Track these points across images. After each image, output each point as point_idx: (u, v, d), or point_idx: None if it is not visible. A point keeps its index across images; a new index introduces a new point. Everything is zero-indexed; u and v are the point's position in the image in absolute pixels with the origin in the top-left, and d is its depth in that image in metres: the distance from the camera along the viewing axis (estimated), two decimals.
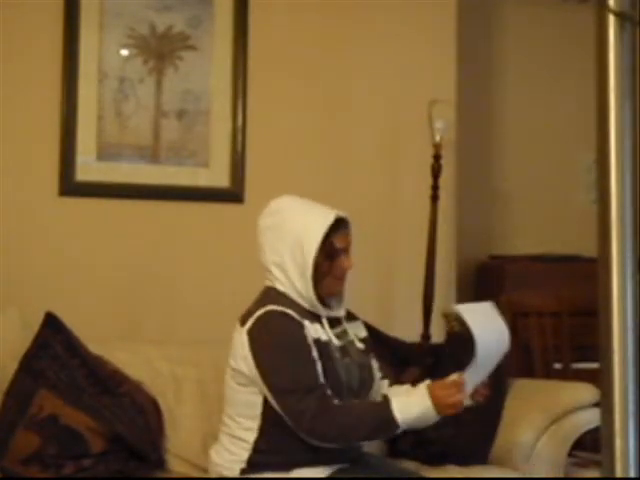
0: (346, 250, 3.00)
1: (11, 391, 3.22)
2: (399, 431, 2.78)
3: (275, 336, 2.88)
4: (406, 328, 3.82)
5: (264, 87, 4.08)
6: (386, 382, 3.11)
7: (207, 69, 4.04)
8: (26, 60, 3.81)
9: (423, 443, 3.52)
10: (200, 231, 4.00)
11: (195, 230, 4.00)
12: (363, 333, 3.13)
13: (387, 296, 4.15)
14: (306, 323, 2.88)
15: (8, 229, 3.75)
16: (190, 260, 3.97)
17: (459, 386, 2.74)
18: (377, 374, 3.07)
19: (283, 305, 2.90)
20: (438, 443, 3.52)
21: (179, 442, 3.37)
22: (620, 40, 1.25)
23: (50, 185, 3.81)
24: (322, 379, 2.83)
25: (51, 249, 3.78)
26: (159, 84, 3.97)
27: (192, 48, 4.02)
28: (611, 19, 1.25)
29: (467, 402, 2.82)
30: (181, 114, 3.98)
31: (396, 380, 3.22)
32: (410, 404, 2.77)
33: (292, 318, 2.87)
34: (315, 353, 2.86)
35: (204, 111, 4.02)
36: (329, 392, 2.82)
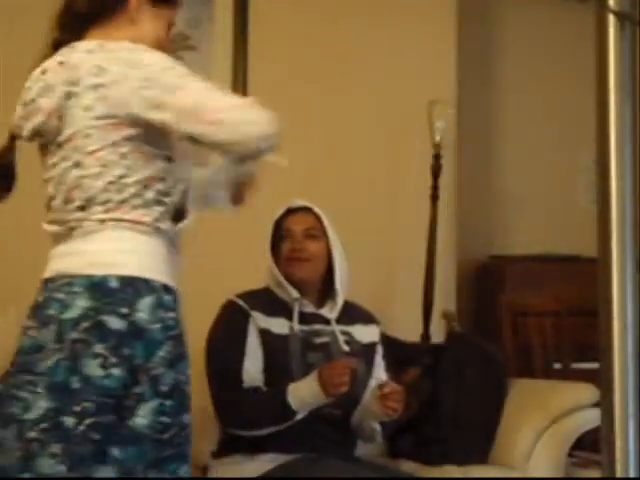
0: (304, 234, 3.11)
1: None
2: (299, 415, 2.88)
3: (214, 326, 3.09)
4: (406, 328, 3.82)
5: (264, 87, 4.07)
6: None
7: (207, 69, 4.03)
8: (26, 60, 3.80)
9: (423, 443, 3.52)
10: (200, 230, 3.99)
11: (196, 230, 4.00)
12: (368, 338, 3.14)
13: (387, 296, 4.15)
14: (256, 314, 3.02)
15: (8, 229, 3.75)
16: (191, 260, 3.96)
17: (345, 368, 2.86)
18: (363, 377, 3.08)
19: (249, 295, 3.08)
20: (438, 443, 3.52)
21: None
22: (620, 40, 1.25)
23: None
24: (252, 369, 2.97)
25: (48, 249, 3.77)
26: None
27: (192, 48, 4.02)
28: (611, 19, 1.25)
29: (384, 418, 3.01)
30: None
31: (396, 380, 3.23)
32: (300, 387, 2.90)
33: (237, 307, 3.04)
34: (255, 343, 2.99)
35: None
36: (249, 383, 2.95)
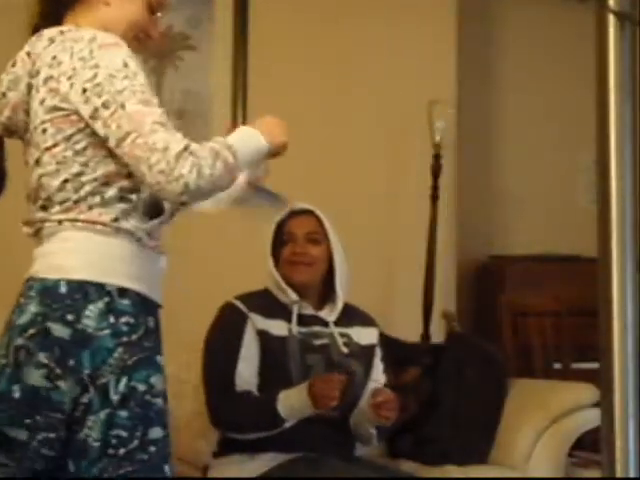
0: (306, 237, 3.10)
1: None
2: (288, 424, 2.88)
3: (211, 329, 3.09)
4: (406, 328, 3.82)
5: (264, 87, 4.07)
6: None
7: (207, 69, 4.04)
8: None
9: (423, 443, 3.53)
10: (201, 229, 4.00)
11: (195, 229, 4.00)
12: (367, 340, 3.14)
13: (387, 296, 4.15)
14: (254, 316, 3.01)
15: (8, 229, 3.75)
16: (192, 259, 3.96)
17: (337, 382, 2.85)
18: (361, 380, 3.08)
19: (248, 297, 3.08)
20: (438, 443, 3.52)
21: (178, 442, 3.36)
22: (620, 40, 1.25)
23: None
24: (245, 373, 2.97)
25: None
26: (159, 84, 3.97)
27: (192, 48, 4.02)
28: (611, 19, 1.25)
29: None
30: (181, 114, 3.98)
31: (396, 380, 3.23)
32: (291, 396, 2.88)
33: (235, 309, 3.04)
34: (253, 345, 2.99)
35: (204, 111, 4.02)
36: (241, 387, 2.96)
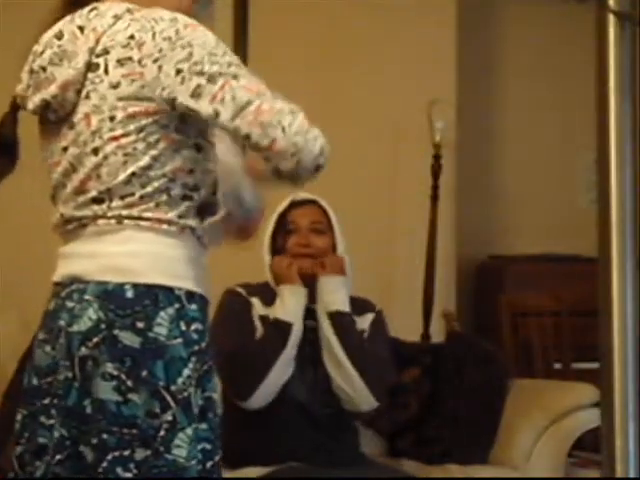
0: (310, 228, 3.06)
1: (10, 391, 3.22)
2: (296, 326, 2.93)
3: (217, 312, 3.00)
4: (406, 328, 3.82)
5: None
6: None
7: None
8: (26, 59, 3.80)
9: (423, 442, 3.53)
10: None
11: None
12: (359, 327, 3.11)
13: (387, 296, 4.15)
14: (255, 300, 3.01)
15: (8, 229, 3.75)
16: None
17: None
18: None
19: (248, 286, 3.07)
20: (438, 443, 3.52)
21: None
22: (620, 40, 1.25)
23: (49, 185, 3.80)
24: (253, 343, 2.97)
25: (51, 250, 3.78)
26: None
27: None
28: (611, 19, 1.25)
29: None
30: None
31: (396, 380, 3.23)
32: (277, 304, 2.95)
33: (237, 295, 3.04)
34: (258, 327, 2.99)
35: None
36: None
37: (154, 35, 1.78)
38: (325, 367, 2.96)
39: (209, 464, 1.78)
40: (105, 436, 1.73)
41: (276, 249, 3.07)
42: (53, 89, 1.85)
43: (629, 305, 1.24)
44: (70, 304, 1.81)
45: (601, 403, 1.26)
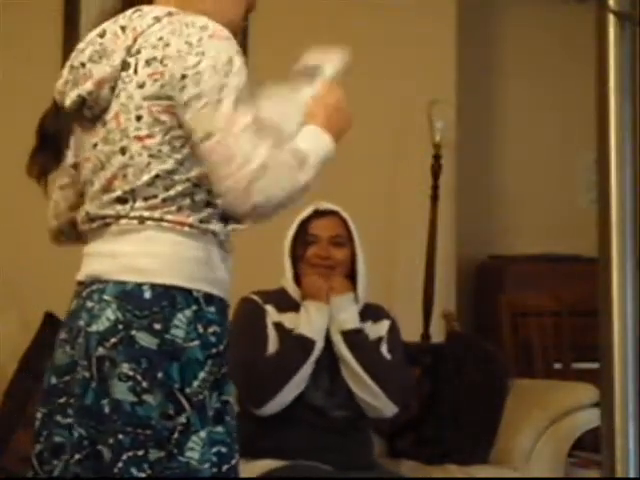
0: (329, 240, 3.07)
1: (11, 391, 3.22)
2: (318, 344, 2.96)
3: (232, 319, 2.98)
4: (406, 328, 3.81)
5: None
6: None
7: None
8: (26, 60, 3.81)
9: (423, 443, 3.53)
10: None
11: None
12: (375, 334, 3.14)
13: (387, 296, 4.14)
14: (269, 308, 3.02)
15: (8, 229, 3.75)
16: None
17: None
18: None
19: (265, 293, 3.08)
20: (438, 443, 3.52)
21: None
22: (620, 40, 1.25)
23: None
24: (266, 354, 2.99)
25: (51, 249, 3.78)
26: None
27: None
28: (611, 19, 1.25)
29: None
30: None
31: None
32: (303, 319, 2.99)
33: (252, 302, 3.05)
34: (272, 334, 3.00)
35: None
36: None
37: (179, 37, 1.80)
38: (340, 374, 3.01)
39: (225, 467, 1.77)
40: (120, 436, 1.73)
41: (295, 256, 3.09)
42: (89, 85, 1.86)
43: (629, 305, 1.24)
44: (90, 304, 1.80)
45: (601, 403, 1.26)
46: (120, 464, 1.73)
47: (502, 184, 4.98)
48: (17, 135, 3.80)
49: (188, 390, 1.74)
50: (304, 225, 3.10)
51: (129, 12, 1.88)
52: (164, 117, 1.79)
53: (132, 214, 1.81)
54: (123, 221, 1.82)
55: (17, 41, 3.80)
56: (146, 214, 1.80)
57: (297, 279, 3.08)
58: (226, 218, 1.84)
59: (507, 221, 4.95)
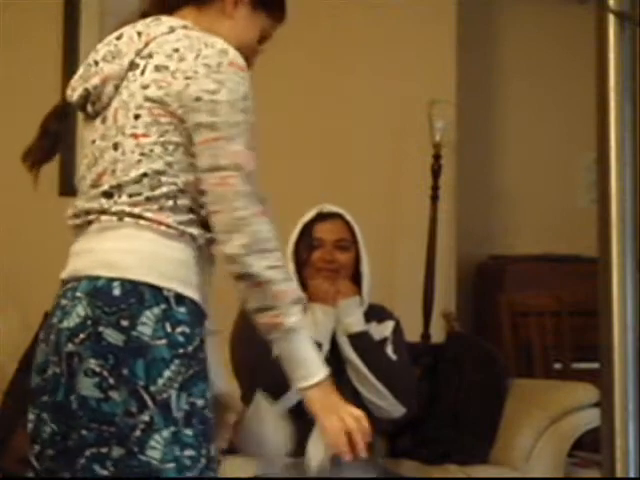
0: (333, 244, 3.06)
1: (11, 391, 3.22)
2: (325, 347, 2.95)
3: (237, 322, 3.03)
4: (406, 328, 3.81)
5: (264, 88, 4.06)
6: None
7: None
8: (26, 60, 3.81)
9: (423, 443, 3.52)
10: None
11: None
12: (380, 335, 3.15)
13: (387, 296, 4.14)
14: None
15: (8, 229, 3.75)
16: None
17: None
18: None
19: None
20: (438, 443, 3.52)
21: None
22: (620, 40, 1.25)
23: (50, 185, 3.81)
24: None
25: (51, 249, 3.78)
26: None
27: None
28: (611, 19, 1.25)
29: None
30: None
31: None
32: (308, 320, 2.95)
33: None
34: None
35: None
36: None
37: (197, 56, 1.84)
38: (345, 376, 3.02)
39: (193, 472, 1.77)
40: (84, 432, 1.74)
41: (299, 259, 3.09)
42: (95, 80, 1.91)
43: (629, 305, 1.24)
44: (64, 302, 1.84)
45: (601, 403, 1.26)
46: (83, 460, 1.75)
47: (502, 184, 4.98)
48: (17, 135, 3.81)
49: (153, 388, 1.74)
50: (308, 228, 3.09)
51: (149, 20, 1.94)
52: (163, 119, 1.83)
53: (114, 209, 1.84)
54: (104, 217, 1.85)
55: (17, 41, 3.80)
56: (127, 209, 1.82)
57: (301, 282, 3.08)
58: (207, 226, 1.85)
59: (507, 221, 4.95)
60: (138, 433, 1.73)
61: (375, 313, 3.17)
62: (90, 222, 1.87)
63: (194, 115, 1.81)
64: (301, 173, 4.11)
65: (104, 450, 1.74)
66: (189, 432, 1.76)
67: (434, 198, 4.10)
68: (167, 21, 1.92)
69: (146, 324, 1.76)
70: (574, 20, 4.10)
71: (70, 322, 1.79)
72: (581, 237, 3.50)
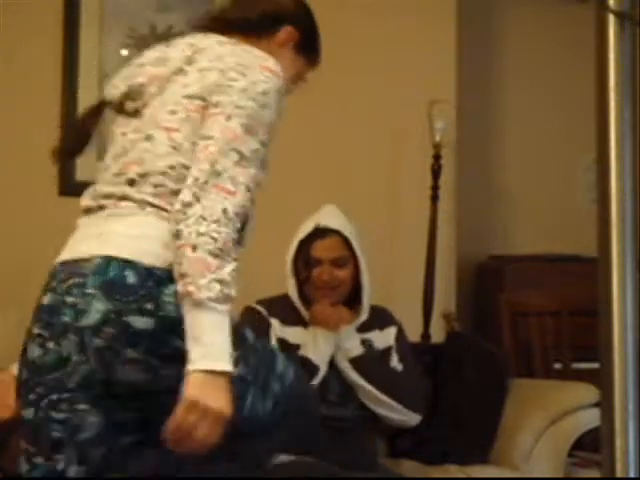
0: (331, 261, 3.06)
1: None
2: (322, 370, 2.98)
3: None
4: (406, 328, 3.81)
5: None
6: None
7: None
8: (26, 60, 3.81)
9: (423, 442, 3.52)
10: None
11: None
12: (384, 343, 3.16)
13: (387, 296, 4.15)
14: (274, 322, 3.05)
15: (8, 229, 3.75)
16: None
17: (332, 309, 3.08)
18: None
19: (269, 303, 3.10)
20: (438, 443, 3.52)
21: None
22: (620, 40, 1.25)
23: (50, 185, 3.81)
24: None
25: (51, 249, 3.78)
26: None
27: None
28: (611, 19, 1.25)
29: None
30: None
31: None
32: (308, 343, 3.01)
33: (257, 313, 3.07)
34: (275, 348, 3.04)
35: None
36: None
37: (232, 55, 1.96)
38: (346, 387, 3.06)
39: (249, 395, 1.91)
40: (141, 414, 1.83)
41: (297, 275, 3.12)
42: (140, 78, 2.00)
43: (629, 305, 1.24)
44: (71, 299, 1.84)
45: (601, 403, 1.26)
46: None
47: (502, 184, 4.98)
48: (17, 135, 3.81)
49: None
50: (305, 245, 3.10)
51: (200, 34, 2.08)
52: (195, 115, 1.89)
53: (137, 196, 1.87)
54: (124, 203, 1.88)
55: (17, 41, 3.79)
56: (149, 199, 1.86)
57: (303, 299, 3.10)
58: None
59: (507, 221, 4.95)
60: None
61: (377, 319, 3.18)
62: (102, 207, 1.91)
63: (210, 97, 1.89)
64: (301, 173, 4.11)
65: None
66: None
67: (434, 198, 4.10)
68: (217, 37, 2.04)
69: (169, 302, 1.79)
70: (574, 20, 4.11)
71: (90, 319, 1.80)
72: (581, 237, 3.50)
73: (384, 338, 3.17)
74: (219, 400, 1.74)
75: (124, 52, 3.93)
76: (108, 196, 1.91)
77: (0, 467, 3.09)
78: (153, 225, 1.85)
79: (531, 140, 4.98)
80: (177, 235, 1.77)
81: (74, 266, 1.88)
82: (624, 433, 1.23)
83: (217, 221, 1.77)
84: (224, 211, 1.79)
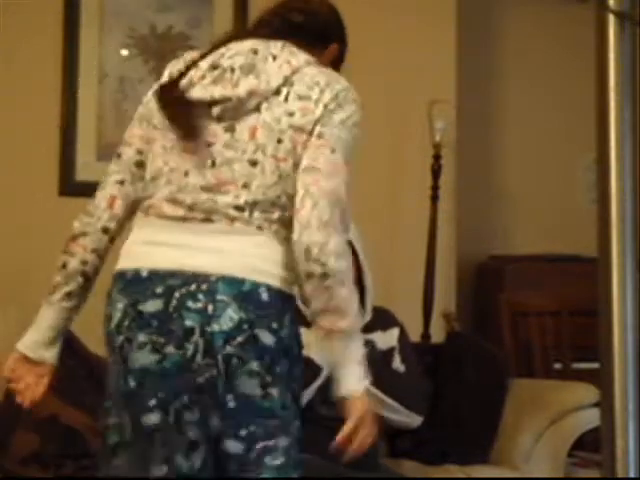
0: None
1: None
2: (325, 371, 2.94)
3: None
4: (406, 328, 3.82)
5: None
6: None
7: None
8: (26, 60, 3.81)
9: (423, 443, 3.52)
10: None
11: None
12: (386, 344, 3.16)
13: (387, 296, 4.15)
14: None
15: (8, 229, 3.75)
16: None
17: None
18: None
19: None
20: (438, 443, 3.52)
21: None
22: (620, 40, 1.25)
23: (50, 185, 3.81)
24: None
25: (51, 249, 3.78)
26: None
27: (192, 48, 4.01)
28: (611, 19, 1.25)
29: None
30: None
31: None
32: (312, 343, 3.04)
33: None
34: None
35: None
36: None
37: (332, 89, 2.04)
38: None
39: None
40: (252, 428, 1.91)
41: None
42: (241, 92, 2.00)
43: (629, 305, 1.24)
44: (195, 305, 1.90)
45: (601, 403, 1.26)
46: (253, 454, 1.91)
47: (502, 184, 4.98)
48: (17, 135, 3.81)
49: (293, 384, 1.97)
50: None
51: (279, 45, 2.08)
52: (299, 148, 1.98)
53: (248, 218, 1.95)
54: (238, 224, 1.96)
55: (17, 41, 3.80)
56: (260, 223, 1.97)
57: (304, 302, 3.10)
58: None
59: (507, 221, 4.95)
60: (297, 423, 1.98)
61: (379, 320, 3.18)
62: (209, 221, 1.96)
63: (314, 127, 1.99)
64: None
65: (271, 443, 1.93)
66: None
67: (434, 198, 4.10)
68: (298, 52, 2.08)
69: (287, 327, 1.94)
70: (574, 20, 4.11)
71: (223, 325, 1.89)
72: (581, 237, 3.50)
73: (387, 339, 3.17)
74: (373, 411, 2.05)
75: (124, 52, 3.93)
76: (211, 212, 1.96)
77: (0, 467, 3.09)
78: (272, 247, 1.97)
79: (531, 140, 4.98)
80: (324, 275, 1.91)
81: (190, 276, 1.92)
82: (624, 433, 1.22)
83: (347, 255, 1.96)
84: (349, 243, 2.00)
